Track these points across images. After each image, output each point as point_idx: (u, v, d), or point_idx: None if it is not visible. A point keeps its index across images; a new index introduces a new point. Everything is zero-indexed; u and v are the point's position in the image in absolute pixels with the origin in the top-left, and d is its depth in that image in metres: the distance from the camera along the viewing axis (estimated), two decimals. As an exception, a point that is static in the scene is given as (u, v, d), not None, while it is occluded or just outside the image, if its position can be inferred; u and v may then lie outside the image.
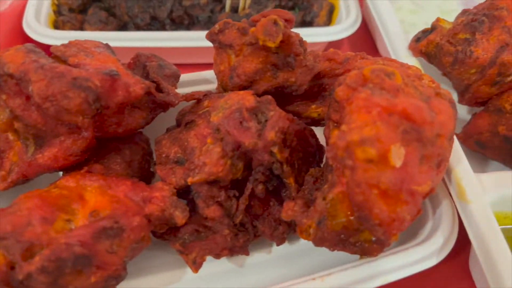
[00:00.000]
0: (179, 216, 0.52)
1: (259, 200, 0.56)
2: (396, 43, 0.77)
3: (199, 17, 0.90)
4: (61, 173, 0.57)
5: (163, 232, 0.55)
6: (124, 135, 0.58)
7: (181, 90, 0.65)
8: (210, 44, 0.60)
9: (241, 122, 0.52)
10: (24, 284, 0.43)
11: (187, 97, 0.60)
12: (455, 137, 0.60)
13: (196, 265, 0.54)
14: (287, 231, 0.57)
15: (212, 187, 0.53)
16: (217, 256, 0.56)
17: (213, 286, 0.58)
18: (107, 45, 0.60)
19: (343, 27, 0.86)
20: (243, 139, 0.51)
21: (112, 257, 0.47)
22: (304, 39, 0.60)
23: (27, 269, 0.43)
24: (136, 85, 0.52)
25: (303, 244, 0.62)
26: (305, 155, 0.58)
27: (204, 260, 0.55)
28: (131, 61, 0.62)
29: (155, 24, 0.89)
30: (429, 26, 0.73)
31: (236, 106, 0.53)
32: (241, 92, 0.55)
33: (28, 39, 0.81)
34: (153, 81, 0.57)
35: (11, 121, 0.52)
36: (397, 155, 0.42)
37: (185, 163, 0.54)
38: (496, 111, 0.65)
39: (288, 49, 0.55)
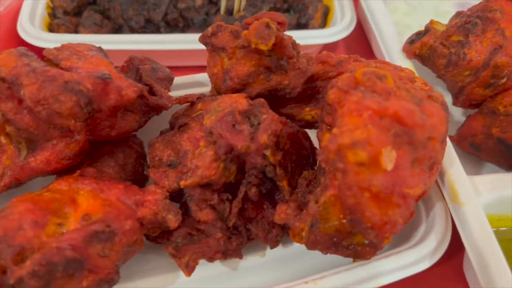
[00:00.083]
0: (172, 219, 0.52)
1: (253, 203, 0.56)
2: (390, 45, 0.77)
3: (194, 20, 0.90)
4: (54, 176, 0.57)
5: (156, 236, 0.55)
6: (117, 139, 0.58)
7: (175, 93, 0.65)
8: (204, 47, 0.60)
9: (233, 125, 0.52)
10: (15, 288, 0.43)
11: (180, 100, 0.60)
12: (448, 139, 0.60)
13: (189, 269, 0.54)
14: (281, 234, 0.57)
15: (205, 190, 0.53)
16: (210, 259, 0.56)
17: (206, 289, 0.58)
18: (100, 48, 0.59)
19: (338, 29, 0.86)
20: (235, 142, 0.51)
21: (104, 261, 0.47)
22: (299, 41, 0.60)
23: (18, 273, 0.43)
24: (129, 88, 0.52)
25: (297, 247, 0.61)
26: (299, 158, 0.58)
27: (197, 263, 0.55)
28: (124, 64, 0.62)
29: (149, 26, 0.89)
30: (423, 28, 0.73)
31: (229, 109, 0.52)
32: (234, 95, 0.55)
33: (22, 42, 0.81)
34: (146, 84, 0.57)
35: (3, 125, 0.52)
36: (389, 158, 0.42)
37: (178, 166, 0.54)
38: (490, 113, 0.65)
39: (281, 52, 0.55)
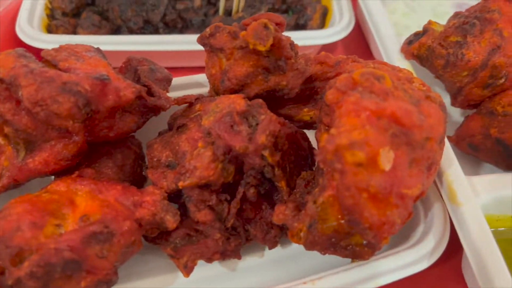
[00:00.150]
0: (170, 220, 0.52)
1: (251, 203, 0.56)
2: (389, 46, 0.77)
3: (192, 21, 0.90)
4: (53, 177, 0.57)
5: (155, 237, 0.55)
6: (116, 139, 0.58)
7: (173, 94, 0.65)
8: (202, 47, 0.60)
9: (232, 126, 0.52)
10: (13, 289, 0.43)
11: (178, 101, 0.60)
12: (446, 140, 0.60)
13: (187, 269, 0.54)
14: (279, 234, 0.57)
15: (203, 191, 0.53)
16: (209, 260, 0.56)
17: (205, 290, 0.58)
18: (98, 49, 0.60)
19: (337, 30, 0.86)
20: (234, 143, 0.51)
21: (102, 262, 0.47)
22: (298, 42, 0.60)
23: (16, 274, 0.43)
24: (127, 89, 0.52)
25: (296, 248, 0.62)
26: (297, 158, 0.58)
27: (195, 264, 0.55)
28: (123, 65, 0.62)
29: (148, 27, 0.89)
30: (422, 28, 0.73)
31: (227, 110, 0.53)
32: (232, 95, 0.55)
33: (21, 43, 0.81)
34: (145, 85, 0.57)
35: (1, 126, 0.52)
36: (386, 159, 0.42)
37: (177, 167, 0.54)
38: (488, 113, 0.65)
39: (279, 53, 0.55)
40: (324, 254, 0.50)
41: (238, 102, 0.53)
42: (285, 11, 0.94)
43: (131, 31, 0.88)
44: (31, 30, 0.82)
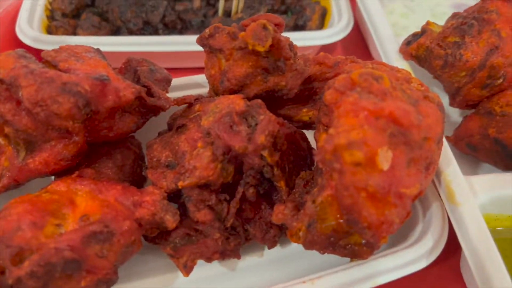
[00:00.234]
0: (170, 220, 0.52)
1: (250, 203, 0.56)
2: (387, 46, 0.78)
3: (192, 22, 0.90)
4: (53, 177, 0.57)
5: (154, 236, 0.55)
6: (115, 140, 0.58)
7: (173, 94, 0.66)
8: (202, 48, 0.60)
9: (231, 126, 0.52)
10: (14, 289, 0.43)
11: (178, 101, 0.60)
12: (445, 140, 0.61)
13: (187, 269, 0.54)
14: (279, 234, 0.58)
15: (203, 191, 0.53)
16: (208, 259, 0.56)
17: (204, 290, 0.59)
18: (98, 50, 0.60)
19: (336, 30, 0.86)
20: (233, 143, 0.51)
21: (102, 262, 0.47)
22: (297, 43, 0.60)
23: (16, 273, 0.43)
24: (127, 90, 0.53)
25: (295, 247, 0.62)
26: (296, 158, 0.58)
27: (195, 264, 0.55)
28: (122, 66, 0.62)
29: (148, 28, 0.89)
30: (420, 29, 0.73)
31: (226, 110, 0.53)
32: (231, 96, 0.55)
33: (21, 44, 0.81)
34: (144, 86, 0.58)
35: (2, 126, 0.52)
36: (385, 158, 0.43)
37: (176, 167, 0.54)
38: (487, 113, 0.65)
39: (278, 53, 0.55)
40: (323, 253, 0.50)
41: (237, 102, 0.53)
42: (284, 12, 0.94)
43: (131, 32, 0.88)
44: (31, 31, 0.83)
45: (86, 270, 0.46)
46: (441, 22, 0.73)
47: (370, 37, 0.83)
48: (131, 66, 0.61)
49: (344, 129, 0.42)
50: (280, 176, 0.54)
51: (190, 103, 0.61)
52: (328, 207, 0.47)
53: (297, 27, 0.92)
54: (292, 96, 0.60)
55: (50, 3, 0.91)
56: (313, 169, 0.61)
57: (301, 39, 0.83)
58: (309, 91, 0.61)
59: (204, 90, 0.68)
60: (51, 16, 0.90)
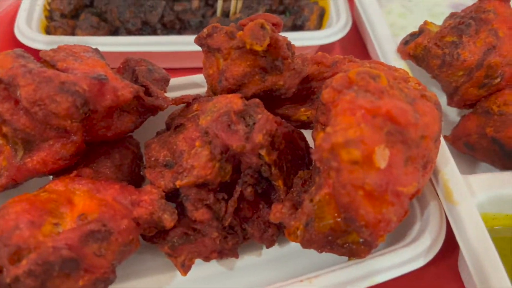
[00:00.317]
0: (168, 219, 0.52)
1: (248, 203, 0.57)
2: (385, 46, 0.78)
3: (190, 22, 0.90)
4: (51, 177, 0.57)
5: (152, 236, 0.55)
6: (114, 139, 0.58)
7: (171, 94, 0.66)
8: (200, 48, 0.60)
9: (229, 125, 0.52)
10: (12, 287, 0.43)
11: (176, 101, 0.60)
12: (443, 139, 0.61)
13: (185, 268, 0.54)
14: (277, 233, 0.58)
15: (201, 190, 0.53)
16: (206, 259, 0.56)
17: (203, 289, 0.59)
18: (96, 50, 0.60)
19: (334, 30, 0.86)
20: (231, 142, 0.51)
21: (100, 260, 0.47)
22: (295, 43, 0.60)
23: (14, 272, 0.43)
24: (125, 89, 0.53)
25: (293, 246, 0.62)
26: (294, 157, 0.59)
27: (192, 263, 0.55)
28: (121, 66, 0.62)
29: (146, 29, 0.90)
30: (418, 29, 0.74)
31: (224, 109, 0.53)
32: (229, 95, 0.55)
33: (19, 45, 0.81)
34: (142, 85, 0.58)
35: (0, 126, 0.52)
36: (382, 157, 0.43)
37: (174, 167, 0.54)
38: (484, 113, 0.66)
39: (276, 53, 0.55)
40: (321, 252, 0.50)
41: (235, 101, 0.53)
42: (283, 12, 0.95)
43: (129, 32, 0.88)
44: (29, 31, 0.83)
45: (84, 269, 0.46)
46: (439, 22, 0.73)
47: (368, 37, 0.83)
48: (129, 65, 0.61)
49: (341, 128, 0.43)
50: (278, 175, 0.54)
51: (188, 103, 0.61)
52: (325, 205, 0.47)
53: (295, 27, 0.92)
54: (290, 95, 0.60)
55: (49, 4, 0.91)
56: (311, 168, 0.61)
57: (299, 39, 0.84)
58: (307, 90, 0.61)
59: (202, 90, 0.68)
60: (49, 17, 0.90)
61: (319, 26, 0.92)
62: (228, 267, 0.60)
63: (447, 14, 0.74)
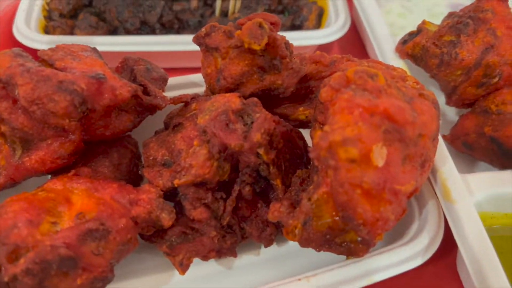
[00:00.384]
0: (166, 218, 0.52)
1: (247, 202, 0.57)
2: (384, 45, 0.78)
3: (189, 22, 0.90)
4: (49, 177, 0.57)
5: (151, 235, 0.55)
6: (112, 138, 0.58)
7: (169, 94, 0.66)
8: (199, 48, 0.60)
9: (227, 124, 0.52)
10: (9, 286, 0.43)
11: (174, 100, 0.60)
12: (441, 138, 0.61)
13: (183, 267, 0.54)
14: (275, 232, 0.58)
15: (199, 189, 0.53)
16: (205, 258, 0.56)
17: (201, 288, 0.59)
18: (94, 49, 0.60)
19: (332, 30, 0.86)
20: (229, 141, 0.51)
21: (98, 259, 0.47)
22: (294, 42, 0.60)
23: (12, 271, 0.43)
24: (123, 88, 0.53)
25: (292, 246, 0.62)
26: (292, 156, 0.59)
27: (191, 262, 0.55)
28: (119, 65, 0.62)
29: (145, 28, 0.90)
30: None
31: (222, 108, 0.53)
32: (228, 94, 0.55)
33: (18, 45, 0.81)
34: (141, 85, 0.58)
35: (-2, 125, 0.52)
36: (379, 155, 0.43)
37: (172, 166, 0.54)
38: (483, 112, 0.66)
39: (274, 52, 0.55)
40: (319, 251, 0.50)
41: (233, 100, 0.53)
42: (281, 12, 0.95)
43: (128, 32, 0.88)
44: (28, 31, 0.83)
45: (82, 267, 0.46)
46: (438, 22, 0.73)
47: (367, 36, 0.84)
48: (127, 65, 0.61)
49: (339, 126, 0.43)
50: (276, 174, 0.54)
51: (186, 102, 0.61)
52: (323, 204, 0.47)
53: (294, 27, 0.92)
54: (288, 94, 0.60)
55: (48, 4, 0.91)
56: (309, 167, 0.61)
57: (298, 39, 0.84)
58: (305, 89, 0.61)
59: (201, 89, 0.68)
60: (48, 17, 0.91)
61: (317, 25, 0.92)
62: (226, 266, 0.60)
63: (446, 14, 0.74)
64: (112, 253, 0.48)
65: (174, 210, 0.54)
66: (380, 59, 0.77)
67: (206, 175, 0.52)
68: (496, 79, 0.65)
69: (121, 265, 0.57)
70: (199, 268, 0.59)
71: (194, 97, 0.61)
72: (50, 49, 0.55)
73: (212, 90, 0.61)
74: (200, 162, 0.52)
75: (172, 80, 0.67)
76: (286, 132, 0.57)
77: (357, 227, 0.45)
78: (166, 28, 0.90)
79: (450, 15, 0.71)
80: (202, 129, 0.53)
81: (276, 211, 0.52)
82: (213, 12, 0.92)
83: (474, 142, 0.67)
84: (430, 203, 0.58)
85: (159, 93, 0.58)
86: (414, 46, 0.71)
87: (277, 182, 0.55)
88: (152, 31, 0.90)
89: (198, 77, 0.69)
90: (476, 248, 0.52)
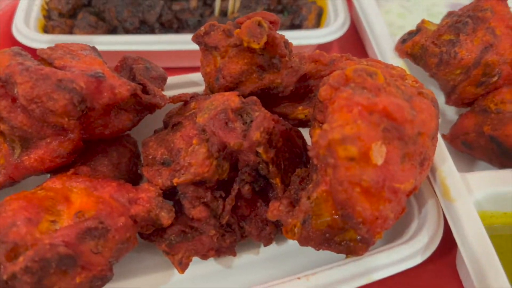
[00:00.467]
0: (165, 216, 0.52)
1: (246, 200, 0.57)
2: (383, 45, 0.78)
3: (188, 21, 0.91)
4: (48, 176, 0.57)
5: (150, 234, 0.55)
6: (111, 137, 0.58)
7: (169, 93, 0.66)
8: (198, 47, 0.60)
9: (226, 123, 0.52)
10: (8, 284, 0.43)
11: (174, 99, 0.60)
12: (441, 137, 0.61)
13: (182, 266, 0.54)
14: (274, 231, 0.58)
15: (198, 188, 0.53)
16: (204, 256, 0.56)
17: (200, 287, 0.58)
18: (93, 48, 0.60)
19: (332, 29, 0.86)
20: (228, 140, 0.51)
21: (97, 258, 0.47)
22: (293, 41, 0.60)
23: (11, 269, 0.43)
24: (122, 87, 0.53)
25: (291, 244, 0.62)
26: (292, 155, 0.59)
27: (190, 260, 0.55)
28: (118, 64, 0.62)
29: (144, 28, 0.90)
30: (416, 29, 0.74)
31: (221, 107, 0.53)
32: (227, 93, 0.55)
33: (17, 44, 0.81)
34: (140, 83, 0.58)
35: (-3, 124, 0.52)
36: (379, 153, 0.43)
37: (172, 164, 0.54)
38: (482, 111, 0.66)
39: (273, 51, 0.55)
40: (318, 249, 0.50)
41: (232, 99, 0.53)
42: (281, 12, 0.95)
43: (127, 32, 0.88)
44: (27, 30, 0.83)
45: (81, 266, 0.46)
46: (438, 21, 0.74)
47: (366, 36, 0.84)
48: (126, 64, 0.61)
49: (338, 124, 0.43)
50: (275, 173, 0.54)
51: (185, 101, 0.61)
52: (323, 203, 0.47)
53: (293, 27, 0.92)
54: (288, 93, 0.60)
55: (47, 3, 0.91)
56: (308, 166, 0.61)
57: (297, 38, 0.84)
58: (304, 88, 0.61)
59: (200, 89, 0.68)
60: (47, 16, 0.90)
61: (317, 25, 0.92)
62: (225, 266, 0.60)
63: (445, 14, 0.74)
64: (111, 252, 0.48)
65: (173, 209, 0.54)
66: (380, 59, 0.77)
67: (205, 173, 0.52)
68: (495, 78, 0.65)
69: (120, 264, 0.57)
70: (198, 267, 0.59)
71: (193, 96, 0.61)
72: (49, 48, 0.55)
73: (211, 89, 0.61)
74: (199, 160, 0.52)
75: (171, 79, 0.67)
76: (285, 131, 0.57)
77: (356, 225, 0.45)
78: (166, 27, 0.90)
79: (450, 14, 0.72)
80: (201, 128, 0.53)
81: (275, 209, 0.52)
82: (212, 12, 0.92)
83: (473, 141, 0.67)
84: (430, 202, 0.58)
85: (158, 92, 0.58)
86: (413, 45, 0.71)
87: (276, 181, 0.55)
88: (152, 31, 0.90)
89: (197, 76, 0.69)
90: (476, 247, 0.52)
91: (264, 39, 0.53)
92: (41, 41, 0.81)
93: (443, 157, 0.59)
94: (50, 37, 0.82)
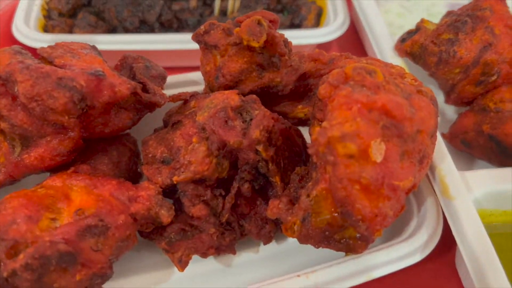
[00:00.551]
0: (165, 215, 0.52)
1: (246, 199, 0.57)
2: (383, 45, 0.78)
3: (188, 21, 0.91)
4: (48, 175, 0.57)
5: (150, 232, 0.55)
6: (111, 136, 0.58)
7: (168, 92, 0.66)
8: (198, 46, 0.60)
9: (226, 121, 0.52)
10: (8, 281, 0.43)
11: (173, 98, 0.60)
12: (440, 136, 0.61)
13: (182, 264, 0.54)
14: (274, 230, 0.58)
15: (198, 186, 0.53)
16: (204, 255, 0.56)
17: (200, 286, 0.58)
18: (93, 47, 0.60)
19: (331, 29, 0.86)
20: (228, 138, 0.51)
21: (97, 255, 0.47)
22: (293, 41, 0.60)
23: (11, 266, 0.43)
24: (122, 85, 0.53)
25: (291, 243, 0.62)
26: (291, 154, 0.59)
27: (190, 259, 0.55)
28: (118, 63, 0.62)
29: (144, 28, 0.90)
30: (415, 28, 0.74)
31: (221, 105, 0.53)
32: (226, 91, 0.55)
33: (17, 43, 0.81)
34: (140, 82, 0.58)
35: (-3, 122, 0.52)
36: (378, 151, 0.43)
37: (171, 163, 0.54)
38: (481, 110, 0.66)
39: (273, 49, 0.55)
40: (318, 247, 0.50)
41: (232, 97, 0.54)
42: (280, 11, 0.95)
43: (127, 32, 0.89)
44: (27, 30, 0.83)
45: (81, 263, 0.46)
46: (437, 21, 0.74)
47: (366, 36, 0.84)
48: (127, 63, 0.61)
49: (338, 122, 0.43)
50: (275, 171, 0.55)
51: (185, 100, 0.61)
52: (322, 200, 0.47)
53: (293, 26, 0.92)
54: (287, 92, 0.60)
55: (47, 3, 0.91)
56: (308, 165, 0.61)
57: (297, 38, 0.84)
58: (304, 87, 0.61)
59: (200, 88, 0.68)
60: (47, 16, 0.91)
61: (316, 25, 0.92)
62: (225, 264, 0.60)
63: (445, 13, 0.74)
64: (111, 249, 0.48)
65: (173, 207, 0.54)
66: (379, 58, 0.77)
67: (205, 172, 0.52)
68: (495, 77, 0.65)
69: (120, 263, 0.57)
70: (198, 265, 0.59)
71: (193, 95, 0.61)
72: (49, 46, 0.55)
73: (211, 88, 0.61)
74: (199, 159, 0.52)
75: (171, 78, 0.68)
76: (285, 129, 0.58)
77: (356, 223, 0.45)
78: (165, 27, 0.91)
79: (449, 13, 0.72)
80: (201, 126, 0.53)
81: (275, 207, 0.52)
82: (212, 12, 0.92)
83: (472, 140, 0.67)
84: (429, 200, 0.58)
85: (158, 90, 0.58)
86: (412, 44, 0.71)
87: (276, 179, 0.55)
88: (151, 31, 0.90)
89: (197, 75, 0.69)
90: (475, 245, 0.52)
91: (264, 37, 0.53)
92: (41, 41, 0.81)
93: (443, 156, 0.59)
94: (50, 36, 0.82)
